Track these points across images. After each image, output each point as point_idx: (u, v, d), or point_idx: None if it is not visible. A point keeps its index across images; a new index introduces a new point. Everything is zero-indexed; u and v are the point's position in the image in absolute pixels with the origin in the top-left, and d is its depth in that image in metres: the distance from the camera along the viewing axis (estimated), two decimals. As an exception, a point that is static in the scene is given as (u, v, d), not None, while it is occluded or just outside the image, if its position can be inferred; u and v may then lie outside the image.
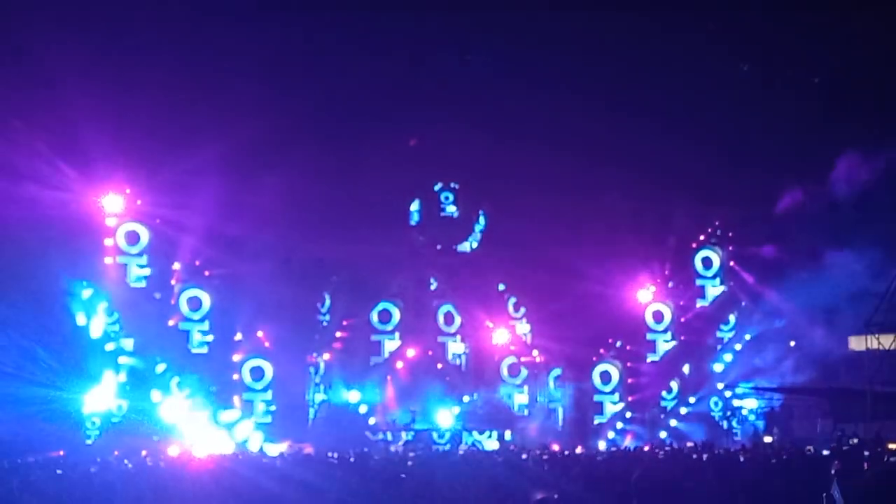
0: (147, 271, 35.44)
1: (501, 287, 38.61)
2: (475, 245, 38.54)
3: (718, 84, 35.27)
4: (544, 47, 35.60)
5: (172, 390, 34.73)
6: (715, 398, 38.36)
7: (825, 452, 25.03)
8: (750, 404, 38.12)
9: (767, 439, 34.02)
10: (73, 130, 32.93)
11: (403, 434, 36.09)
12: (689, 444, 33.66)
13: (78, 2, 32.83)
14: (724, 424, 37.83)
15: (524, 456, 29.66)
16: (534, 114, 35.96)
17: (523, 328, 38.62)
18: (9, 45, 32.28)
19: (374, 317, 37.75)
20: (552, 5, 34.61)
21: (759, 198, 37.40)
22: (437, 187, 38.45)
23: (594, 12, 33.90)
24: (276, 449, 33.00)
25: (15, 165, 32.73)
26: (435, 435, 36.21)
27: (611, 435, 37.02)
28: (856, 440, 31.18)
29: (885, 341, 33.82)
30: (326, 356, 37.03)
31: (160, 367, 34.82)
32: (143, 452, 30.96)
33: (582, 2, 34.40)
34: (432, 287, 38.37)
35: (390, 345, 37.88)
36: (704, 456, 26.15)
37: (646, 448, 32.46)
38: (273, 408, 36.05)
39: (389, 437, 36.01)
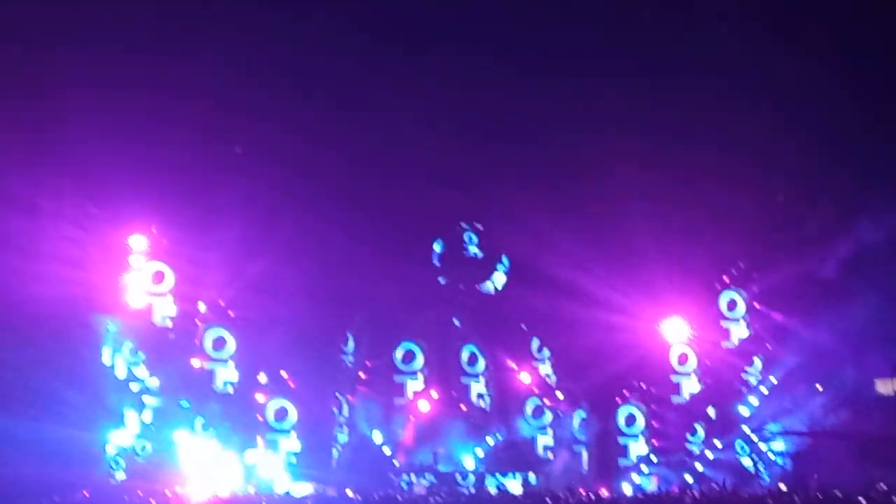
0: (173, 311, 35.43)
1: (525, 328, 38.46)
2: (498, 286, 38.44)
3: (746, 123, 35.15)
4: (567, 88, 35.68)
5: (197, 430, 34.67)
6: (741, 441, 38.11)
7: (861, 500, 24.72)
8: (777, 447, 37.87)
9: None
10: (99, 169, 33.11)
11: (427, 476, 35.93)
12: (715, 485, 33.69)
13: (106, 40, 33.08)
14: (751, 468, 37.64)
15: (548, 500, 29.63)
16: (559, 155, 36.03)
17: (547, 370, 38.45)
18: (35, 84, 32.50)
19: (398, 357, 37.63)
20: (583, 47, 34.69)
21: (785, 239, 37.29)
22: (460, 228, 38.38)
23: (629, 48, 34.02)
24: (300, 490, 32.94)
25: (40, 204, 32.94)
26: (458, 477, 36.04)
27: (636, 478, 36.77)
28: (884, 486, 31.00)
29: (912, 385, 33.64)
30: (350, 397, 36.90)
31: (185, 407, 34.77)
32: (168, 493, 31.09)
33: (616, 44, 34.49)
34: (456, 328, 38.24)
35: (414, 385, 37.75)
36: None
37: (672, 492, 32.41)
38: (297, 448, 35.86)
39: (413, 478, 35.83)
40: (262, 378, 35.79)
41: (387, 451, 36.36)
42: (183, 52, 33.65)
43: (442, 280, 38.37)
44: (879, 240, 35.54)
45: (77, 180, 33.41)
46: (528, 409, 37.89)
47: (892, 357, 34.32)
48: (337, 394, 36.73)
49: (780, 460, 37.88)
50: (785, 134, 35.36)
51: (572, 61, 35.34)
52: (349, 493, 31.60)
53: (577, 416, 37.77)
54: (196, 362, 35.43)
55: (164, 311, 35.47)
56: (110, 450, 33.68)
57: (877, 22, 34.22)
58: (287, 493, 33.17)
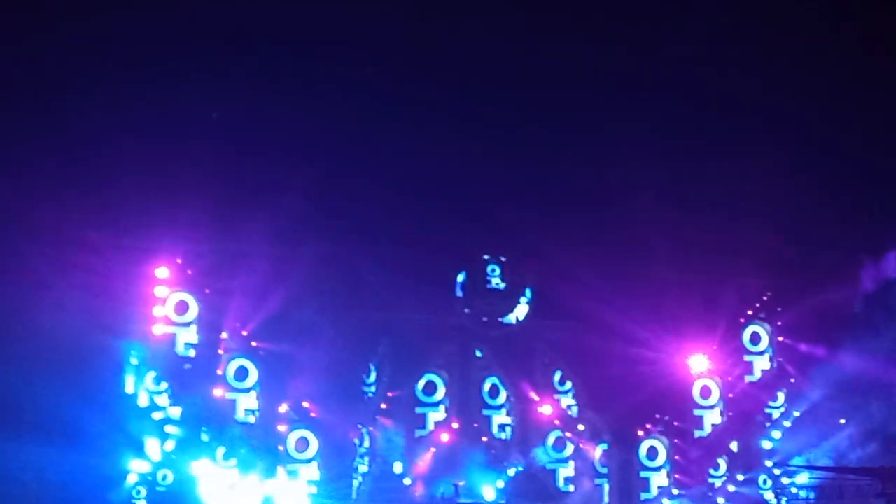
0: (195, 340, 35.54)
1: (547, 360, 38.40)
2: (521, 318, 38.40)
3: (770, 151, 35.11)
4: (591, 118, 35.75)
5: (218, 460, 34.71)
6: (764, 476, 37.92)
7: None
8: (801, 482, 37.66)
9: None
10: (125, 198, 33.31)
11: (448, 507, 35.95)
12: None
13: (120, 64, 33.32)
14: (774, 503, 37.42)
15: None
16: (582, 185, 36.07)
17: (569, 402, 38.34)
18: (56, 110, 32.75)
19: (419, 388, 37.59)
20: (607, 77, 34.74)
21: (811, 271, 37.18)
22: (484, 259, 38.39)
23: (655, 79, 34.09)
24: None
25: (64, 232, 33.13)
26: (479, 508, 36.04)
27: (654, 512, 36.67)
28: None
29: (937, 420, 33.39)
30: (371, 427, 36.87)
31: (206, 437, 34.83)
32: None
33: (641, 75, 34.54)
34: (478, 359, 38.19)
35: (435, 417, 37.68)
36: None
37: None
38: (317, 478, 35.83)
39: (434, 510, 35.85)
40: (284, 408, 35.78)
41: (407, 482, 36.28)
42: (209, 81, 33.86)
43: (465, 311, 38.32)
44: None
45: (101, 209, 33.54)
46: (550, 440, 37.78)
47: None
48: (358, 425, 36.71)
49: (803, 494, 37.67)
50: (809, 163, 35.35)
51: (596, 92, 35.42)
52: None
53: (599, 449, 37.65)
54: (218, 392, 35.47)
55: (187, 340, 35.54)
56: (131, 479, 33.73)
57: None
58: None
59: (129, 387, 34.37)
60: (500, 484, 36.52)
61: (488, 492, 36.37)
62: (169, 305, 35.38)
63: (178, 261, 35.55)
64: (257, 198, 34.39)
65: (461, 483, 36.25)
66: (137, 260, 34.85)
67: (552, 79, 35.38)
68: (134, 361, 34.65)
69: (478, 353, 38.17)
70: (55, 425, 32.41)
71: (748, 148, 35.09)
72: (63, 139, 32.56)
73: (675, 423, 38.04)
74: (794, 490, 37.94)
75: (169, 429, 34.47)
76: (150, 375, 34.65)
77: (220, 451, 34.80)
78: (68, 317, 32.64)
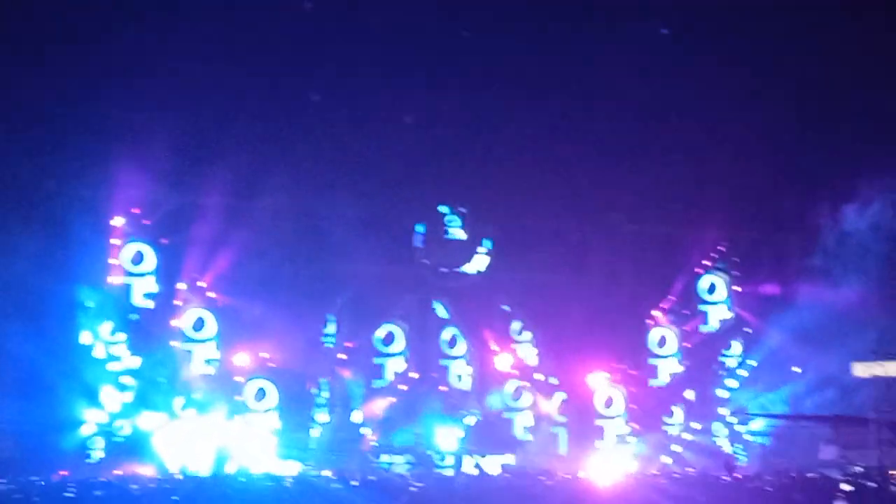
0: (153, 289, 35.44)
1: (506, 310, 38.55)
2: (480, 268, 38.48)
3: (725, 104, 35.15)
4: (552, 72, 35.67)
5: (176, 411, 34.73)
6: (719, 424, 38.32)
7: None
8: (755, 429, 38.11)
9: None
10: (83, 148, 33.05)
11: (406, 456, 36.07)
12: (690, 469, 33.95)
13: (83, 9, 32.90)
14: (729, 450, 37.85)
15: (527, 480, 29.79)
16: (541, 136, 36.03)
17: (527, 351, 38.54)
18: (13, 57, 32.32)
19: (378, 339, 37.67)
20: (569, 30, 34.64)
21: (766, 222, 37.43)
22: (443, 210, 38.39)
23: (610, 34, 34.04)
24: (283, 470, 33.09)
25: (21, 179, 32.89)
26: (437, 458, 36.19)
27: (614, 459, 36.90)
28: (860, 468, 31.25)
29: (890, 368, 33.74)
30: (330, 378, 36.95)
31: (163, 388, 34.81)
32: (148, 473, 31.17)
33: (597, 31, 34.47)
34: (436, 310, 38.29)
35: (394, 367, 37.79)
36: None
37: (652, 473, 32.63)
38: (276, 429, 35.92)
39: (392, 459, 35.96)
40: (242, 359, 35.78)
41: (366, 431, 36.41)
42: (170, 32, 33.47)
43: (424, 262, 38.33)
44: (862, 224, 35.68)
45: (61, 157, 33.28)
46: (508, 390, 38.00)
47: (870, 340, 34.42)
48: (317, 375, 36.78)
49: (758, 441, 38.13)
50: (766, 115, 35.41)
51: (552, 46, 35.30)
52: (329, 473, 31.75)
53: (557, 398, 37.90)
54: (175, 343, 35.42)
55: (144, 290, 35.42)
56: (88, 429, 33.71)
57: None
58: (267, 474, 33.22)
59: (86, 337, 34.29)
60: (459, 433, 36.69)
61: (447, 441, 36.55)
62: (125, 255, 35.29)
63: (135, 211, 35.36)
64: (216, 149, 34.21)
65: (420, 432, 36.45)
66: (94, 209, 34.63)
67: (510, 32, 35.20)
68: (90, 309, 34.54)
69: (437, 304, 38.25)
70: (9, 376, 32.34)
71: (704, 102, 35.09)
72: (21, 87, 32.17)
73: (632, 373, 38.33)
74: (748, 437, 38.35)
75: (125, 380, 34.46)
76: (107, 326, 34.57)
77: (178, 401, 34.82)
78: (24, 265, 32.49)
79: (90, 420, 33.79)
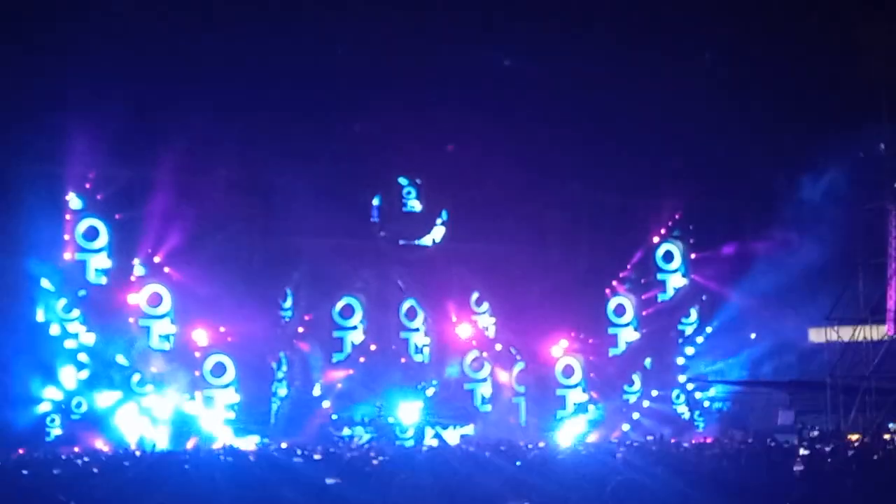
0: (108, 265, 35.10)
1: (464, 281, 38.52)
2: (438, 240, 38.42)
3: (682, 72, 35.20)
4: (508, 40, 35.55)
5: (133, 387, 34.49)
6: (677, 391, 38.61)
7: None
8: (713, 395, 38.45)
9: None
10: (33, 123, 32.56)
11: (367, 429, 36.07)
12: (650, 437, 34.15)
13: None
14: (687, 416, 38.16)
15: (488, 453, 29.76)
16: (496, 106, 35.88)
17: (486, 322, 38.57)
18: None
19: (337, 312, 37.54)
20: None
21: (721, 190, 37.60)
22: (400, 182, 38.24)
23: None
24: (243, 444, 32.95)
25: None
26: (398, 430, 36.22)
27: (574, 428, 37.08)
28: (816, 432, 31.58)
29: (845, 334, 34.10)
30: (289, 351, 36.81)
31: (120, 364, 34.54)
32: (105, 449, 30.93)
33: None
34: (395, 281, 38.20)
35: (353, 339, 37.70)
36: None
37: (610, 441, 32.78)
38: (236, 403, 35.77)
39: (353, 431, 35.94)
40: (199, 334, 35.55)
41: (326, 404, 36.34)
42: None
43: (381, 234, 38.19)
44: (817, 193, 35.95)
45: (11, 133, 32.80)
46: (468, 361, 38.03)
47: (825, 306, 34.73)
48: (276, 349, 36.63)
49: (716, 407, 38.46)
50: (722, 83, 35.52)
51: (511, 13, 35.17)
52: (284, 445, 31.67)
53: (516, 368, 38.00)
54: (131, 319, 35.12)
55: (98, 266, 35.08)
56: (44, 407, 33.42)
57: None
58: (229, 447, 33.09)
59: (40, 315, 33.95)
60: (419, 404, 36.68)
61: (407, 413, 36.52)
62: (79, 231, 34.92)
63: (88, 186, 34.96)
64: (168, 122, 33.78)
65: (380, 404, 36.40)
66: (48, 185, 34.19)
67: (467, 3, 35.04)
68: (45, 286, 34.20)
69: (395, 276, 38.14)
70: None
71: (661, 70, 35.12)
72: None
73: (590, 341, 38.47)
74: (706, 404, 38.67)
75: (82, 357, 34.15)
76: (61, 303, 34.23)
77: (135, 377, 34.58)
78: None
79: (47, 398, 33.48)
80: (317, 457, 27.45)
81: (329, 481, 17.73)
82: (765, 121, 35.53)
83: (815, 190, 35.97)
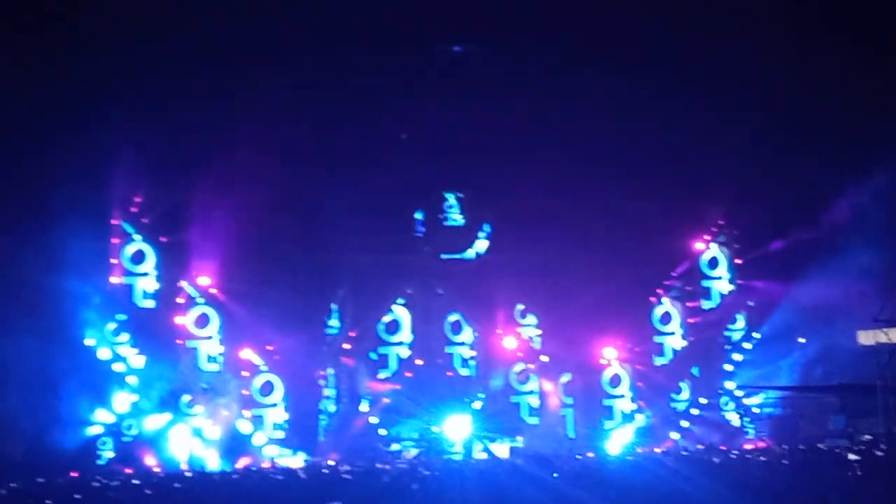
0: (154, 287, 35.46)
1: (508, 294, 38.52)
2: (481, 253, 38.45)
3: (722, 76, 35.02)
4: (549, 52, 35.58)
5: (183, 408, 34.80)
6: (726, 398, 38.33)
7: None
8: (762, 402, 38.16)
9: None
10: (79, 146, 33.00)
11: (415, 444, 36.15)
12: (700, 445, 33.99)
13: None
14: (736, 424, 37.88)
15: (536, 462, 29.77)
16: (538, 118, 35.94)
17: (532, 333, 38.52)
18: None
19: (382, 328, 37.66)
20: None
21: (767, 195, 37.30)
22: (443, 196, 38.34)
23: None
24: (291, 462, 33.14)
25: (16, 180, 32.85)
26: (446, 444, 36.25)
27: (622, 438, 36.93)
28: (869, 436, 31.28)
29: (894, 336, 33.75)
30: (335, 368, 36.98)
31: (170, 387, 34.87)
32: (157, 470, 31.23)
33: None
34: (439, 295, 38.26)
35: (399, 355, 37.77)
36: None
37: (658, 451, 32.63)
38: (285, 421, 35.97)
39: (401, 447, 36.04)
40: (247, 353, 35.81)
41: (373, 420, 36.44)
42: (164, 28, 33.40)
43: (425, 248, 38.29)
44: (863, 195, 35.66)
45: (57, 155, 33.22)
46: (514, 373, 37.99)
47: (873, 308, 34.42)
48: (323, 367, 36.81)
49: (764, 413, 38.16)
50: (774, 87, 35.28)
51: (551, 29, 35.20)
52: (331, 462, 31.81)
53: (563, 379, 37.90)
54: (179, 341, 35.46)
55: (146, 289, 35.45)
56: (96, 430, 33.78)
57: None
58: (278, 467, 33.34)
59: (90, 338, 34.35)
60: (467, 419, 36.68)
61: (455, 427, 36.51)
62: (126, 255, 35.32)
63: (134, 210, 35.38)
64: (213, 144, 34.13)
65: (428, 419, 36.44)
66: (93, 209, 34.62)
67: (507, 17, 35.08)
68: (93, 310, 34.64)
69: (439, 291, 38.22)
70: (16, 376, 32.37)
71: (701, 76, 35.01)
72: (19, 86, 32.12)
73: (637, 350, 38.30)
74: (756, 410, 38.37)
75: (131, 379, 34.50)
76: (110, 326, 34.63)
77: (185, 399, 34.88)
78: (25, 266, 32.54)
79: (98, 421, 33.85)
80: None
81: None
82: (810, 121, 35.26)
83: (862, 190, 35.68)
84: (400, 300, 37.73)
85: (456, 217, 38.51)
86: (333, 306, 37.26)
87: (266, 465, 33.29)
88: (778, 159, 36.13)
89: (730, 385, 38.32)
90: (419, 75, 35.81)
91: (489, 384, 37.62)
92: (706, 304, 39.16)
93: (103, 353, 34.35)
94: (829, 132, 35.30)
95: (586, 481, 23.55)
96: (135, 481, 26.68)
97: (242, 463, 33.78)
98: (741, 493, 19.34)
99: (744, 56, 35.08)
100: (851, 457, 25.31)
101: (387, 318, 37.63)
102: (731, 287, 39.28)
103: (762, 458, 28.47)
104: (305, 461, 34.02)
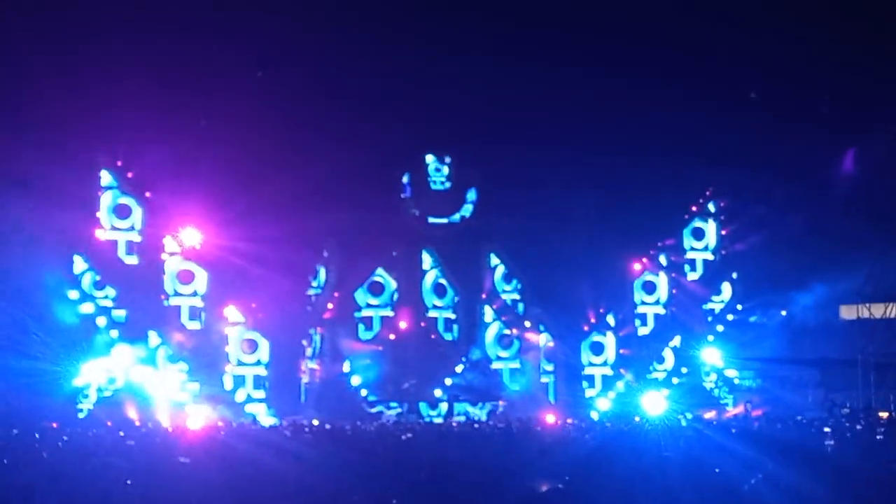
0: (138, 243, 35.38)
1: (493, 259, 38.55)
2: (466, 216, 38.42)
3: (712, 48, 34.93)
4: (538, 20, 35.41)
5: (164, 363, 34.79)
6: (707, 368, 38.45)
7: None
8: (743, 373, 38.27)
9: None
10: (67, 104, 32.75)
11: (395, 405, 36.24)
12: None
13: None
14: (717, 394, 38.02)
15: (515, 427, 29.89)
16: (523, 80, 35.81)
17: (514, 298, 38.56)
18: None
19: (366, 289, 37.63)
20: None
21: (752, 167, 37.28)
22: (428, 159, 38.25)
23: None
24: (270, 421, 33.19)
25: (8, 140, 32.65)
26: (427, 406, 36.35)
27: (602, 406, 37.04)
28: (847, 409, 31.44)
29: (876, 311, 33.89)
30: (319, 328, 36.98)
31: (152, 341, 34.85)
32: (137, 423, 31.23)
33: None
34: (424, 259, 38.26)
35: (382, 316, 37.76)
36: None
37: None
38: (265, 376, 36.00)
39: (382, 409, 36.12)
40: (231, 311, 35.77)
41: (356, 381, 36.48)
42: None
43: (413, 212, 38.23)
44: (853, 167, 35.68)
45: (45, 113, 33.00)
46: (496, 338, 38.05)
47: (856, 283, 34.53)
48: (307, 326, 36.82)
49: (746, 384, 38.28)
50: (755, 60, 35.21)
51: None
52: (315, 422, 31.87)
53: (544, 345, 37.96)
54: (163, 296, 35.41)
55: (130, 245, 35.35)
56: (78, 383, 33.76)
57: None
58: (255, 422, 33.44)
59: (73, 293, 34.28)
60: (448, 382, 36.77)
61: (436, 390, 36.61)
62: (110, 210, 35.19)
63: (119, 164, 35.22)
64: (199, 99, 33.96)
65: (410, 381, 36.52)
66: (77, 163, 34.47)
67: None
68: (77, 268, 34.57)
69: (424, 253, 38.21)
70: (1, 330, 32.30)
71: (690, 45, 34.89)
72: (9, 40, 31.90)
73: (620, 318, 38.34)
74: (737, 381, 38.48)
75: (114, 333, 34.46)
76: (93, 280, 34.55)
77: (166, 354, 34.88)
78: (7, 223, 32.38)
79: (78, 374, 33.80)
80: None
81: None
82: (797, 95, 35.22)
83: (851, 162, 35.71)
84: (385, 262, 37.64)
85: (443, 181, 38.41)
86: (319, 267, 37.19)
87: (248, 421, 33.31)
88: (765, 131, 36.08)
89: (711, 355, 38.36)
90: (410, 41, 35.57)
91: (472, 349, 37.67)
92: (690, 274, 39.19)
93: (86, 308, 34.23)
94: (816, 104, 35.27)
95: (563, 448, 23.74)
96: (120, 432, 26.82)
97: (222, 418, 33.76)
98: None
99: (738, 30, 35.01)
100: (826, 429, 25.45)
101: (371, 280, 37.58)
102: (715, 258, 39.29)
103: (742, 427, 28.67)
104: (287, 420, 33.95)
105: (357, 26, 34.75)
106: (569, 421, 33.37)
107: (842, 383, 34.61)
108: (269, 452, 21.34)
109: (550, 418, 33.62)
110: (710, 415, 34.87)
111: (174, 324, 35.37)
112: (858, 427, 27.50)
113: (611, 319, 38.17)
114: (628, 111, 35.29)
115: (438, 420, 35.37)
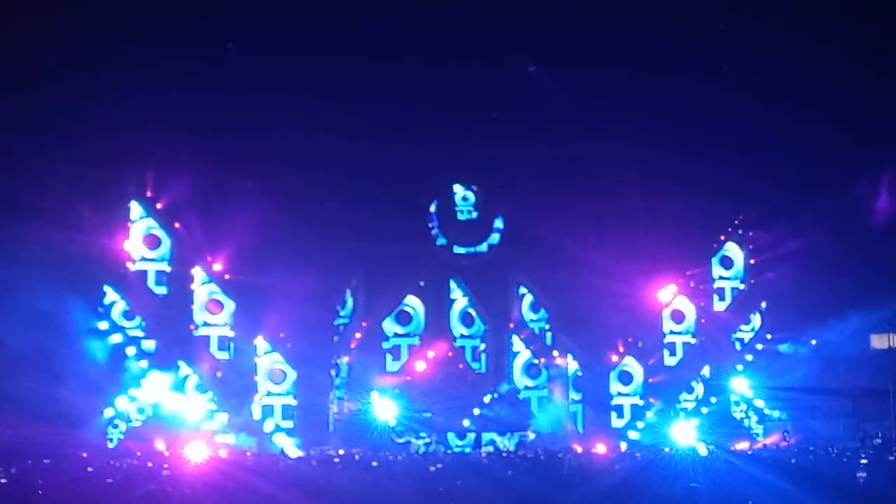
0: (168, 273, 35.55)
1: (522, 289, 38.51)
2: (494, 245, 38.42)
3: (742, 81, 34.92)
4: (564, 49, 35.51)
5: (193, 393, 34.88)
6: (736, 398, 38.22)
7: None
8: (772, 403, 38.00)
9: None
10: (97, 135, 33.03)
11: (423, 436, 36.15)
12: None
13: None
14: (746, 424, 37.78)
15: (543, 457, 29.76)
16: (554, 113, 35.86)
17: (542, 327, 38.48)
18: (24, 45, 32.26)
19: (394, 318, 37.65)
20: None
21: (781, 196, 37.18)
22: (455, 188, 38.33)
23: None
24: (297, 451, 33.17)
25: (33, 164, 32.92)
26: (455, 437, 36.26)
27: (632, 436, 36.86)
28: (879, 440, 31.21)
29: (908, 340, 33.70)
30: (346, 358, 37.01)
31: (182, 371, 34.97)
32: (166, 454, 31.30)
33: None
34: (451, 288, 38.27)
35: (409, 346, 37.75)
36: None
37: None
38: (294, 411, 36.01)
39: (410, 439, 36.02)
40: (260, 340, 35.86)
41: (383, 411, 36.41)
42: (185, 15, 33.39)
43: (439, 241, 38.28)
44: (877, 198, 35.53)
45: (73, 139, 33.28)
46: (524, 367, 37.96)
47: (887, 312, 34.32)
48: (334, 356, 36.83)
49: (776, 415, 38.03)
50: (778, 94, 35.17)
51: (570, 25, 35.10)
52: (341, 452, 31.86)
53: (573, 375, 37.84)
54: (192, 325, 35.54)
55: (159, 275, 35.52)
56: (107, 413, 33.89)
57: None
58: (283, 452, 33.44)
59: (103, 323, 34.46)
60: (476, 412, 36.69)
61: (464, 420, 36.52)
62: (140, 240, 35.40)
63: (149, 194, 35.46)
64: (226, 131, 34.14)
65: (436, 411, 36.43)
66: (108, 194, 34.73)
67: (524, 10, 35.02)
68: (108, 297, 34.76)
69: (452, 283, 38.23)
70: (31, 361, 32.42)
71: (717, 79, 34.90)
72: (30, 71, 32.17)
73: (648, 348, 38.17)
74: (767, 411, 38.24)
75: (143, 364, 34.60)
76: (123, 310, 34.73)
77: (195, 383, 34.96)
78: (38, 254, 32.60)
79: (108, 404, 33.93)
80: (374, 464, 27.61)
81: None
82: (827, 122, 35.10)
83: (878, 192, 35.57)
84: (413, 291, 37.66)
85: (469, 210, 38.48)
86: (346, 296, 37.26)
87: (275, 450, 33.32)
88: (796, 159, 36.01)
89: (741, 385, 38.13)
90: (437, 69, 35.68)
91: (500, 379, 37.58)
92: (719, 304, 39.02)
93: (115, 338, 34.42)
94: (845, 132, 35.14)
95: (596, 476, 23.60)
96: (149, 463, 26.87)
97: (251, 449, 33.80)
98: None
99: (765, 51, 34.97)
100: (862, 460, 25.23)
101: (398, 310, 37.59)
102: (744, 287, 39.12)
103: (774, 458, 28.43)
104: (315, 450, 33.92)
105: (386, 56, 34.90)
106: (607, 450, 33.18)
107: (874, 413, 34.35)
108: (295, 483, 21.36)
109: (601, 448, 33.39)
110: (742, 445, 34.60)
111: (203, 353, 35.46)
112: (891, 458, 27.26)
113: (639, 347, 38.02)
114: (658, 141, 35.25)
115: (467, 450, 35.24)
